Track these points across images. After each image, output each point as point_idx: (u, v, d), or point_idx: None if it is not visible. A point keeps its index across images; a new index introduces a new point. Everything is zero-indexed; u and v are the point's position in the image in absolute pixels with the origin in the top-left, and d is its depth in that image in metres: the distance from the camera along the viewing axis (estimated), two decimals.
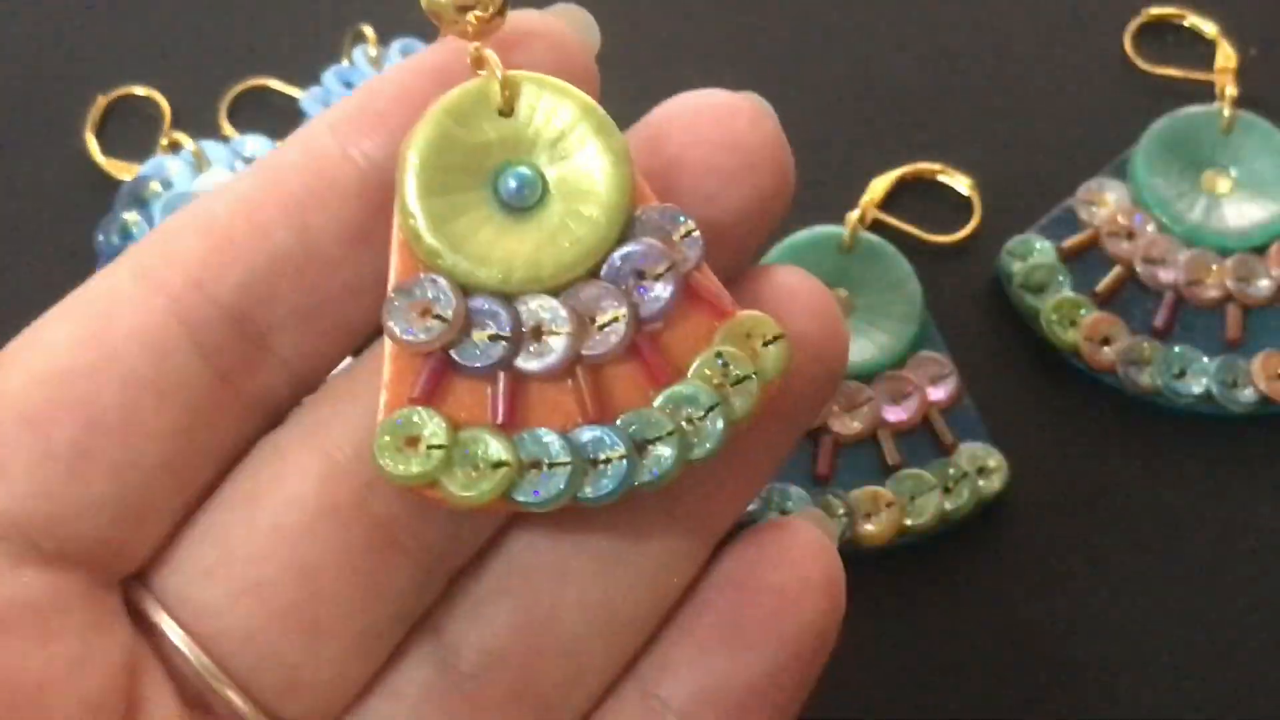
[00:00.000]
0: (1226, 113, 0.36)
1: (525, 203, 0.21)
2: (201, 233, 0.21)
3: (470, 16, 0.21)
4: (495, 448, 0.21)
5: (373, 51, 0.37)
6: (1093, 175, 0.36)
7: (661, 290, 0.21)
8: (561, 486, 0.21)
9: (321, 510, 0.21)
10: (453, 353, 0.21)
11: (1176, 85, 0.37)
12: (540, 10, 0.23)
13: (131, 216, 0.34)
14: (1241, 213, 0.35)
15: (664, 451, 0.21)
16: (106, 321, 0.21)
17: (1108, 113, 0.37)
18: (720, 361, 0.21)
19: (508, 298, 0.21)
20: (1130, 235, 0.35)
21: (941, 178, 0.36)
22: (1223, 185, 0.36)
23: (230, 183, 0.22)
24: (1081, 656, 0.31)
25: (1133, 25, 0.39)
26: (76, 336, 0.21)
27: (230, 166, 0.35)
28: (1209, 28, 0.38)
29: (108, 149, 0.37)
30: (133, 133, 0.37)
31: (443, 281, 0.21)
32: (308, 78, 0.37)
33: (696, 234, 0.21)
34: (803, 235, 0.35)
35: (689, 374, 0.21)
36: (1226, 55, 0.37)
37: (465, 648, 0.22)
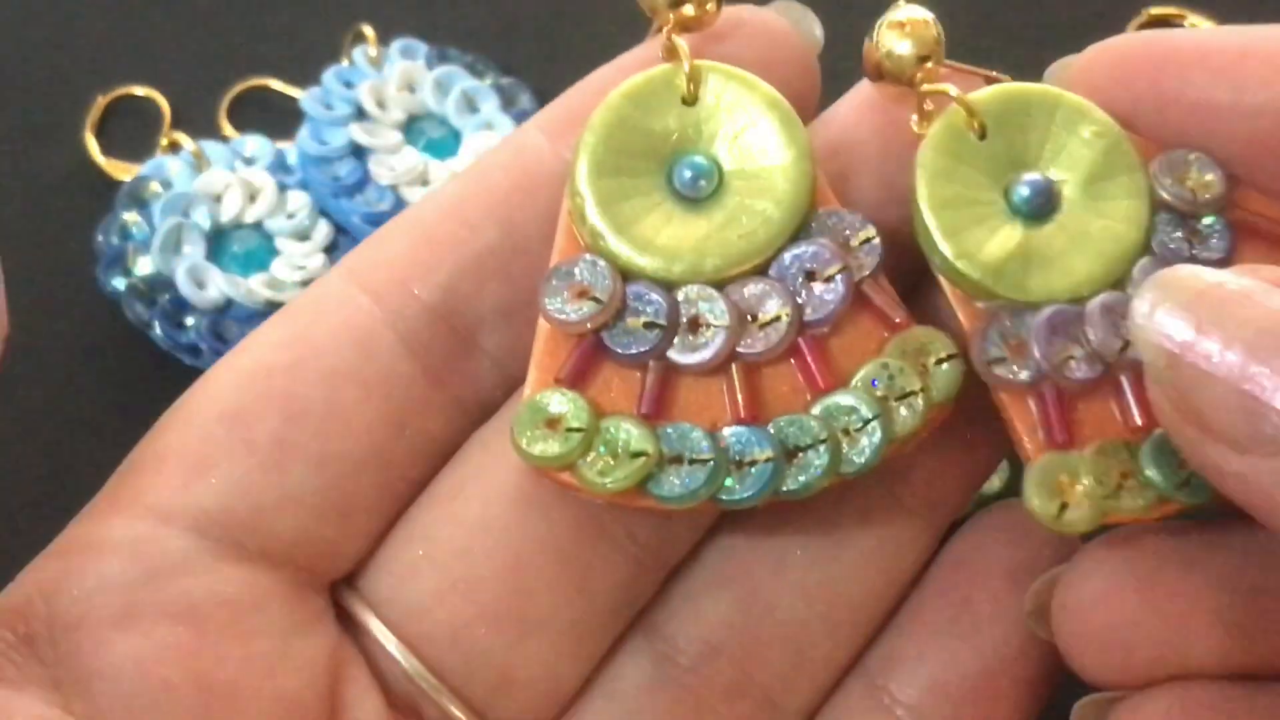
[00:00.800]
0: None
1: (699, 193, 0.21)
2: (409, 234, 0.21)
3: (684, 10, 0.21)
4: (636, 436, 0.20)
5: (373, 51, 0.37)
6: None
7: (829, 293, 0.20)
8: (700, 485, 0.20)
9: (526, 501, 0.21)
10: (605, 337, 0.20)
11: None
12: (759, 6, 0.22)
13: (131, 216, 0.34)
14: None
15: (813, 460, 0.20)
16: (313, 321, 0.21)
17: None
18: (886, 374, 0.20)
19: (669, 287, 0.20)
20: None
21: None
22: None
23: (442, 186, 0.22)
24: None
25: (1133, 25, 0.38)
26: (282, 336, 0.21)
27: (230, 166, 0.35)
28: (1209, 26, 0.38)
29: (108, 149, 0.37)
30: (133, 133, 0.37)
31: (602, 264, 0.20)
32: (308, 78, 0.37)
33: (876, 241, 0.20)
34: None
35: (851, 383, 0.20)
36: None
37: (683, 642, 0.22)
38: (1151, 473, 0.20)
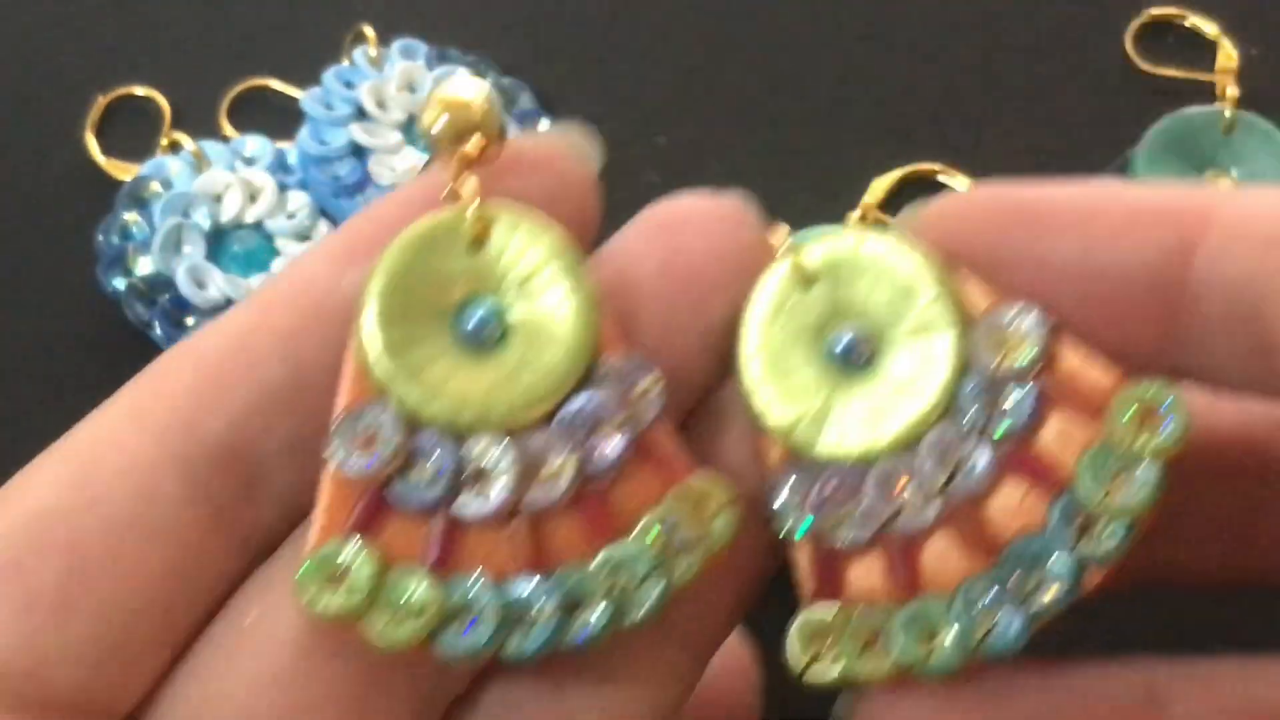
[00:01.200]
0: (1228, 113, 0.36)
1: (484, 341, 0.21)
2: (191, 370, 0.21)
3: (466, 147, 0.21)
4: (421, 591, 0.20)
5: (373, 51, 0.37)
6: (1093, 176, 0.36)
7: (611, 448, 0.20)
8: (484, 640, 0.20)
9: (308, 651, 0.20)
10: (392, 486, 0.20)
11: (1177, 86, 0.37)
12: (539, 134, 0.22)
13: (131, 216, 0.34)
14: None
15: (594, 615, 0.20)
16: (93, 462, 0.21)
17: (1109, 113, 0.37)
18: (667, 524, 0.20)
19: (456, 437, 0.20)
20: None
21: (941, 178, 0.36)
22: (1224, 186, 0.36)
23: (223, 317, 0.22)
24: None
25: (1133, 25, 0.38)
26: (62, 478, 0.21)
27: (230, 166, 0.35)
28: (1210, 28, 0.38)
29: (108, 149, 0.37)
30: (133, 133, 0.37)
31: (389, 413, 0.20)
32: (308, 78, 0.37)
33: (657, 391, 0.21)
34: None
35: (632, 535, 0.20)
36: (1227, 55, 0.37)
37: None
38: (899, 639, 0.21)
